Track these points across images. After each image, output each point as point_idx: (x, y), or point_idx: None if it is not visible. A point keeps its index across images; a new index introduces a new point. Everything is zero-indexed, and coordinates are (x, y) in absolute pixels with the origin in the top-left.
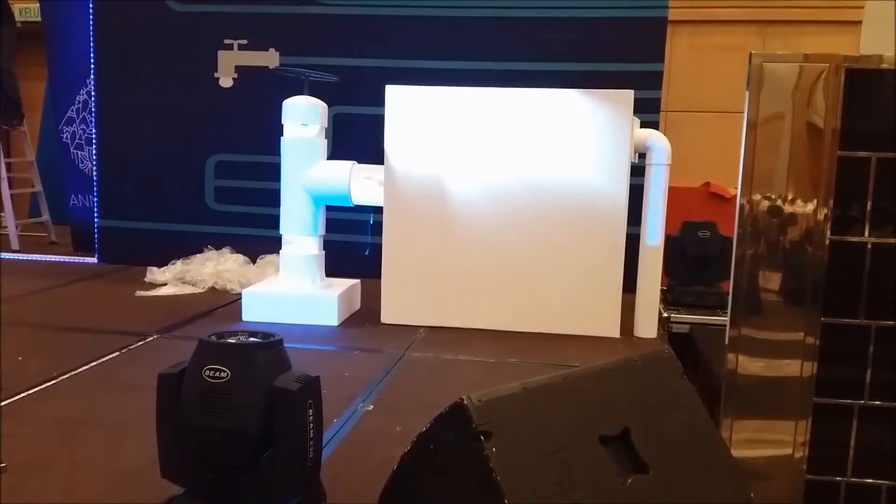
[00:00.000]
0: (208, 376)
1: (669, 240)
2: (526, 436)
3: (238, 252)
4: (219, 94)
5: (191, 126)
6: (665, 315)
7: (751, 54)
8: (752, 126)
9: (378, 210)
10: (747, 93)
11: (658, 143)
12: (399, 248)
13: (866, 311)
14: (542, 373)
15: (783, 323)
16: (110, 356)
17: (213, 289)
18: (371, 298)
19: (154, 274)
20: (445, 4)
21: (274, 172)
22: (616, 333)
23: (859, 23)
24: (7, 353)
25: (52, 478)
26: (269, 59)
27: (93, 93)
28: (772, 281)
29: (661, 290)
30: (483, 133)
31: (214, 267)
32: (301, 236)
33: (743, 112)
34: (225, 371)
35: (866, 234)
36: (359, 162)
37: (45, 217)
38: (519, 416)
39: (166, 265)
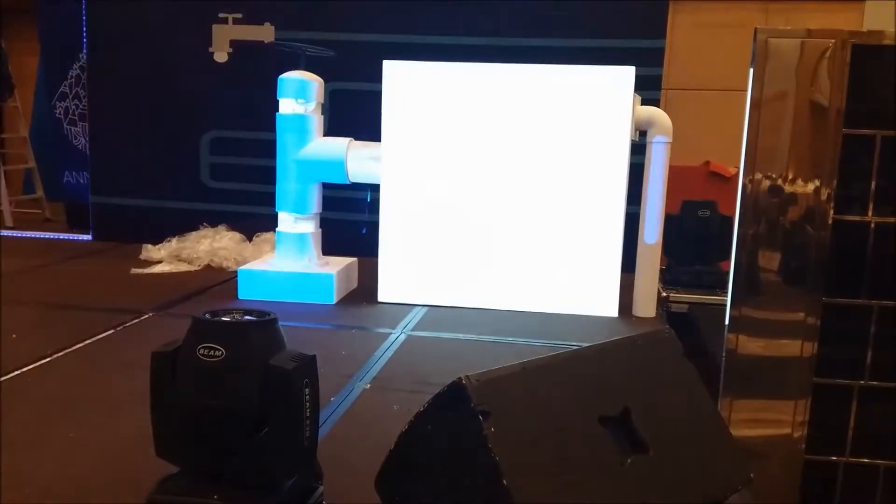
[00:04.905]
0: (203, 355)
1: (669, 219)
2: (525, 416)
3: (234, 230)
4: (214, 69)
5: (185, 102)
6: (664, 294)
7: (756, 30)
8: (756, 104)
9: (375, 188)
10: (751, 69)
11: (659, 120)
12: (396, 227)
13: (868, 291)
14: (540, 352)
15: (784, 303)
16: (105, 334)
17: (208, 266)
18: (368, 277)
19: (149, 251)
20: None
21: (270, 149)
22: (615, 313)
23: (862, 0)
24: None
25: (47, 455)
26: (265, 33)
27: (86, 67)
28: (773, 261)
29: (660, 270)
30: (482, 109)
31: (210, 244)
32: (297, 214)
33: (746, 89)
34: (219, 349)
35: (869, 213)
36: (356, 139)
37: (40, 193)
38: (518, 396)
39: (162, 242)
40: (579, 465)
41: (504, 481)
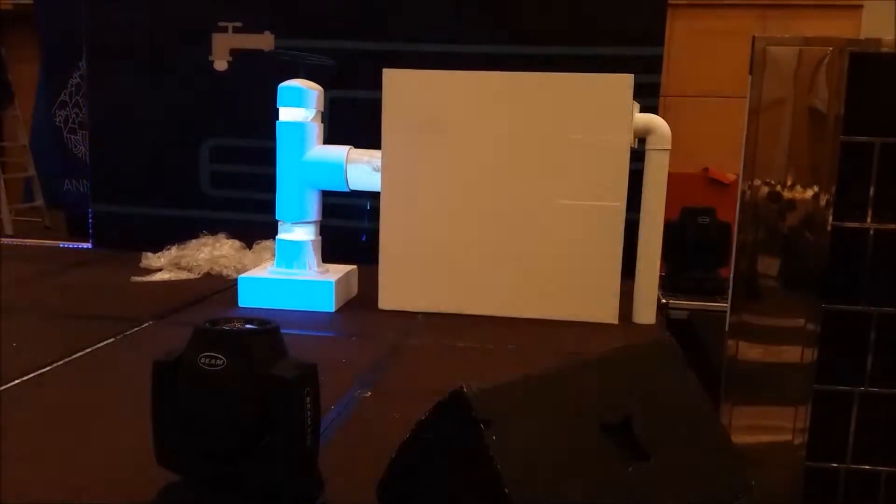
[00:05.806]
0: (203, 364)
1: (668, 226)
2: (526, 424)
3: (234, 237)
4: (213, 78)
5: (185, 110)
6: (663, 301)
7: (754, 38)
8: (754, 111)
9: (375, 195)
10: (750, 77)
11: (658, 127)
12: (396, 234)
13: (868, 297)
14: (540, 359)
15: (784, 309)
16: (105, 342)
17: (208, 274)
18: (368, 284)
19: (149, 259)
20: None
21: (270, 157)
22: (615, 320)
23: (860, 6)
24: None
25: (46, 466)
26: (265, 42)
27: (86, 76)
28: (773, 267)
29: (660, 277)
30: (480, 117)
31: (210, 252)
32: (297, 222)
33: (745, 97)
34: (220, 359)
35: (868, 220)
36: (356, 147)
37: (39, 202)
38: (519, 404)
39: (161, 250)
40: (581, 474)
41: (506, 490)
